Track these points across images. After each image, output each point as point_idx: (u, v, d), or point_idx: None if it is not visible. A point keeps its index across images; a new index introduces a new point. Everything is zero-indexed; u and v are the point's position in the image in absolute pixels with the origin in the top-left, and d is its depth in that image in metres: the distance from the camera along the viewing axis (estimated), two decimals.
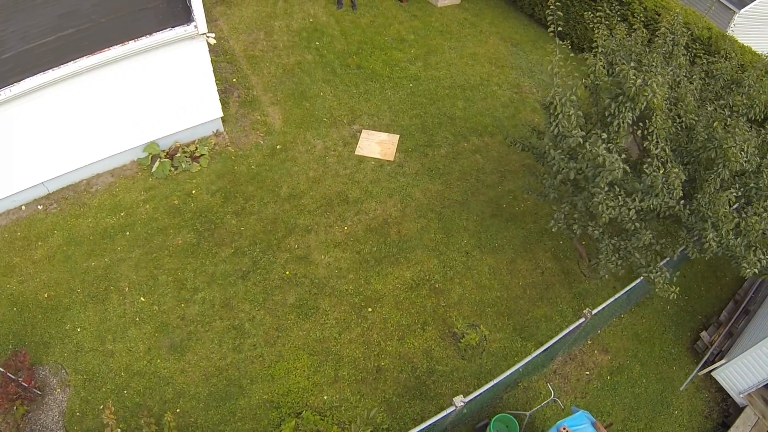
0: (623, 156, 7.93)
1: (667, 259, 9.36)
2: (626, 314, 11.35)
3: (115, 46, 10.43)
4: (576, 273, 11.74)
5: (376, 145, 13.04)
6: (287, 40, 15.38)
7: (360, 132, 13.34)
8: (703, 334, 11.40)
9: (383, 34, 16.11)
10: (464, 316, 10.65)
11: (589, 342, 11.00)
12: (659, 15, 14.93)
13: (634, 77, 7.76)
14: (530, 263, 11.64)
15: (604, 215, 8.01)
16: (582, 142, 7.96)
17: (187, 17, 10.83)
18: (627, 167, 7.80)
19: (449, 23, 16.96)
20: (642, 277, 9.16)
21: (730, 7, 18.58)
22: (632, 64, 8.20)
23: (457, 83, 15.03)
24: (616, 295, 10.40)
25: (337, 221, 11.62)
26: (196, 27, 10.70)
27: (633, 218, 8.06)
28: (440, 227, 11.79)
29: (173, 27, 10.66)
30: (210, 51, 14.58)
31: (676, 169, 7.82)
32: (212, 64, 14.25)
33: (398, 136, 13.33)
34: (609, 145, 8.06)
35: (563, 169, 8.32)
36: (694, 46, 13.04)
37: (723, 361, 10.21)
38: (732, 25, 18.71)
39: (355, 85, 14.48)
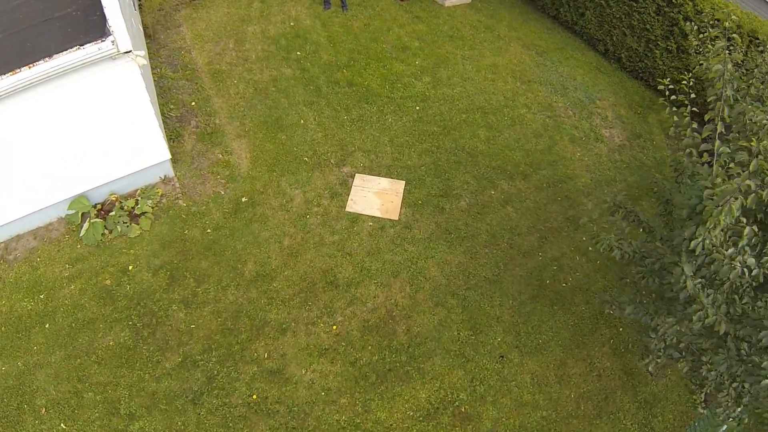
0: None
1: None
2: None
3: (1, 77, 7.25)
4: (640, 372, 8.79)
5: (375, 196, 9.87)
6: (261, 50, 12.11)
7: (353, 177, 10.16)
8: None
9: (380, 40, 12.84)
10: None
11: None
12: (719, 21, 11.84)
13: None
14: (584, 364, 8.64)
15: None
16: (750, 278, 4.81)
17: (103, 29, 7.59)
18: None
19: (460, 27, 13.71)
20: None
21: None
22: None
23: (476, 105, 11.84)
24: None
25: (322, 316, 8.48)
26: (114, 43, 7.47)
27: None
28: (465, 320, 8.70)
29: (83, 45, 7.43)
30: (167, 65, 11.39)
31: None
32: (168, 82, 11.09)
33: (404, 182, 10.17)
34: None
35: (708, 317, 5.18)
36: None
37: None
38: None
39: (346, 108, 11.26)
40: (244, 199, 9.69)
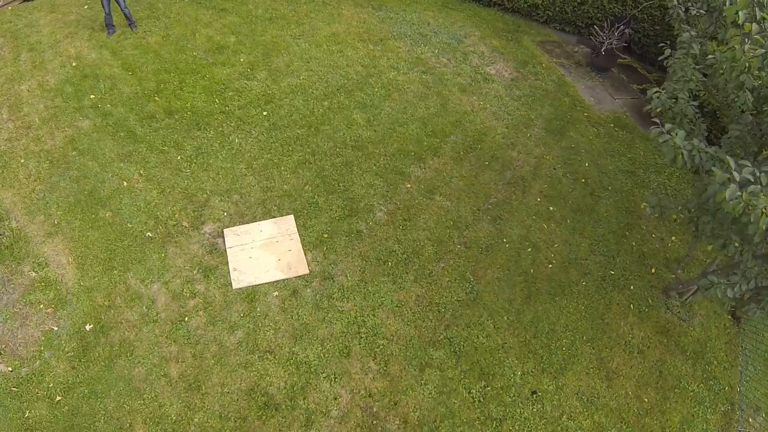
0: None
1: None
2: None
3: None
4: (673, 323, 7.01)
5: (264, 252, 6.80)
6: (45, 108, 8.51)
7: (221, 236, 6.97)
8: None
9: (188, 48, 9.65)
10: None
11: None
12: None
13: None
14: (622, 350, 6.59)
15: None
16: None
17: None
18: None
19: (275, 5, 10.95)
20: None
21: None
22: None
23: (335, 85, 9.16)
24: None
25: None
26: None
27: None
28: (467, 370, 6.05)
29: None
30: None
31: None
32: None
33: (292, 216, 7.18)
34: None
35: None
36: None
37: None
38: None
39: (176, 145, 8.03)
40: (88, 327, 6.17)
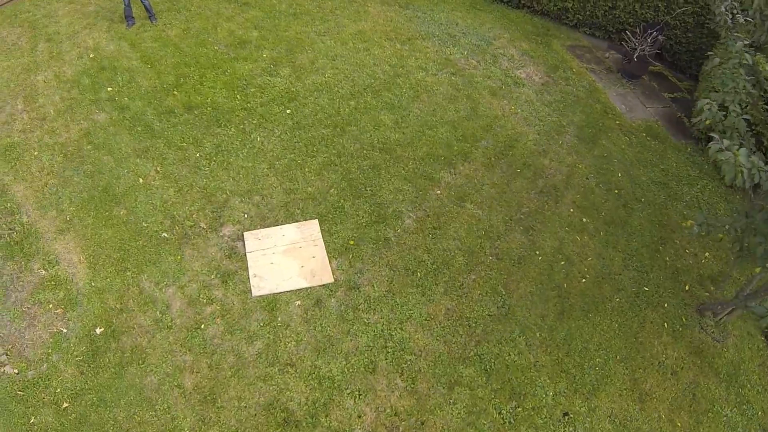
0: None
1: None
2: None
3: None
4: (707, 344, 6.70)
5: (286, 257, 6.53)
6: (61, 100, 8.30)
7: (241, 239, 6.72)
8: None
9: (210, 42, 9.40)
10: None
11: None
12: None
13: None
14: (654, 370, 6.30)
15: None
16: None
17: None
18: None
19: (299, 1, 10.71)
20: None
21: None
22: None
23: (361, 84, 8.88)
24: None
25: None
26: None
27: None
28: (497, 389, 5.77)
29: None
30: None
31: None
32: None
33: (316, 221, 6.91)
34: None
35: None
36: None
37: None
38: None
39: (195, 142, 7.76)
40: (99, 331, 5.94)
